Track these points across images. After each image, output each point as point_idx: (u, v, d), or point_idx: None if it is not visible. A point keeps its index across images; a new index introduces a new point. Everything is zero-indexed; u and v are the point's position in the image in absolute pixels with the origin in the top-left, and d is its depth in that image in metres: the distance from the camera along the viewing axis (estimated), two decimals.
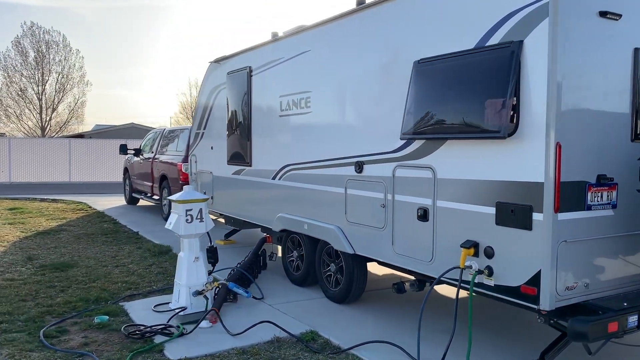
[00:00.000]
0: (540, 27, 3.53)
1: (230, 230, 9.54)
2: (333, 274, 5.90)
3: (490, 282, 3.92)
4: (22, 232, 10.43)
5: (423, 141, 4.49)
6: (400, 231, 4.77)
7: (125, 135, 31.84)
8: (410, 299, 6.05)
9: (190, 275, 5.58)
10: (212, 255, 6.00)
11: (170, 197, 5.73)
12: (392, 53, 4.82)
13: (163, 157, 12.36)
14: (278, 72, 6.70)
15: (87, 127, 47.30)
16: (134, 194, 14.85)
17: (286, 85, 6.51)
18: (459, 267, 4.04)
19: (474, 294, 4.01)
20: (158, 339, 4.80)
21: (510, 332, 5.14)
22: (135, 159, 14.48)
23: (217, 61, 8.44)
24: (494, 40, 3.87)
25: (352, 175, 5.37)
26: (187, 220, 5.57)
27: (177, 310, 5.38)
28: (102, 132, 37.76)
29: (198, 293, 5.54)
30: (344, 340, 4.73)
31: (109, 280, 6.85)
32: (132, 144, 15.80)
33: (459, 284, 4.02)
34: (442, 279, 4.23)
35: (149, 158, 13.35)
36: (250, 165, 7.45)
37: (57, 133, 44.57)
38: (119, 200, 16.15)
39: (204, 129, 8.99)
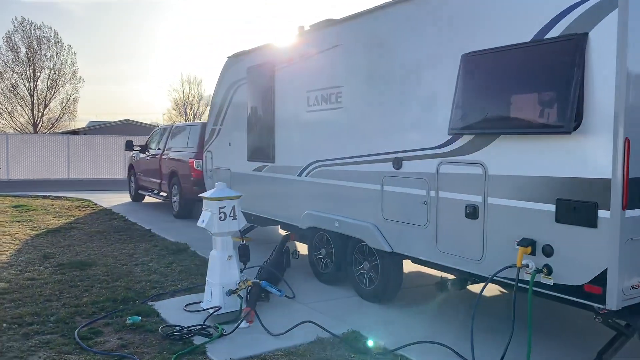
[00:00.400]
0: (608, 19, 3.43)
1: (245, 227, 9.40)
2: (366, 272, 5.80)
3: (549, 281, 3.83)
4: (32, 229, 10.25)
5: (472, 137, 4.39)
6: (445, 229, 4.67)
7: (120, 131, 31.52)
8: (448, 298, 5.96)
9: (224, 274, 5.46)
10: (244, 254, 5.87)
11: (202, 195, 5.60)
12: (437, 46, 4.70)
13: (172, 154, 12.20)
14: (305, 66, 6.57)
15: (80, 123, 46.98)
16: (140, 191, 14.68)
17: (314, 80, 6.39)
18: (515, 266, 3.94)
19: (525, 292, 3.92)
20: (197, 340, 4.68)
21: (558, 331, 5.06)
22: (142, 155, 14.30)
23: (236, 56, 8.29)
24: (554, 32, 3.77)
25: (389, 172, 5.26)
26: (220, 217, 5.45)
27: (211, 310, 5.26)
28: (97, 129, 37.43)
29: (232, 292, 5.42)
30: (387, 340, 4.63)
31: (131, 279, 6.71)
32: (119, 141, 15.38)
33: (516, 283, 3.92)
34: (494, 277, 4.13)
35: (157, 155, 13.18)
36: (274, 162, 7.32)
37: (49, 130, 44.21)
38: (123, 197, 15.96)
39: (221, 125, 8.84)
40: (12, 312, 5.37)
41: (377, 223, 5.45)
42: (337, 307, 5.65)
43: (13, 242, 9.03)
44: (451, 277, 5.07)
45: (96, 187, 20.96)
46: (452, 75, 4.55)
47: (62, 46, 43.39)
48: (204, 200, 5.55)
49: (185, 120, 53.18)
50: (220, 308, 5.30)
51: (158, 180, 13.01)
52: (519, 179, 4.03)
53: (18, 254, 8.07)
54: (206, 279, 5.61)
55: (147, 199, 15.18)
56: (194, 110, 55.22)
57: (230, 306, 5.38)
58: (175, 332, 4.77)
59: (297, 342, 4.60)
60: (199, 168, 10.94)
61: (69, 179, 24.98)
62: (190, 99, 55.31)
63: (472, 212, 4.38)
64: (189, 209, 11.85)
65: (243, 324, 5.01)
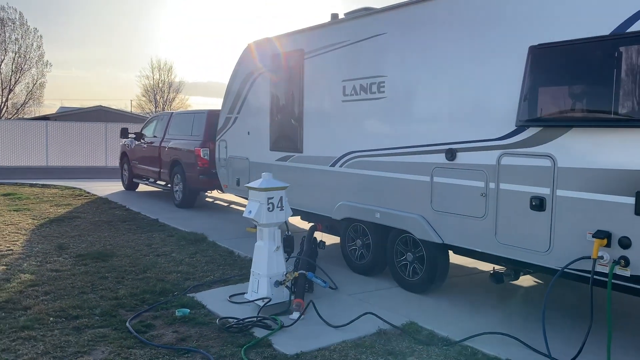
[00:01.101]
0: None
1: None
2: (409, 264, 5.79)
3: (626, 273, 3.88)
4: (34, 219, 9.92)
5: (539, 129, 4.40)
6: (506, 220, 4.69)
7: (93, 118, 30.80)
8: (489, 289, 6.01)
9: (271, 265, 5.38)
10: (288, 244, 5.80)
11: (249, 185, 5.49)
12: (502, 36, 4.69)
13: (174, 143, 11.94)
14: (340, 55, 6.49)
15: (47, 109, 45.72)
16: (134, 179, 14.36)
17: (351, 69, 6.31)
18: (590, 258, 3.98)
19: (595, 285, 3.97)
20: (257, 332, 4.60)
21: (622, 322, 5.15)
22: (137, 143, 13.98)
23: (258, 44, 8.13)
24: (637, 27, 3.78)
25: (441, 163, 5.24)
26: (268, 208, 5.35)
27: (260, 302, 5.19)
28: (69, 115, 36.41)
29: (280, 283, 5.36)
30: (447, 331, 4.63)
31: (160, 270, 6.57)
32: (99, 128, 14.90)
33: (592, 275, 3.96)
34: (564, 269, 4.17)
35: (155, 142, 12.89)
36: (302, 152, 7.23)
37: (14, 115, 42.95)
38: (114, 185, 15.60)
39: (238, 113, 8.68)
40: (52, 305, 5.19)
41: (425, 214, 5.43)
42: (383, 298, 5.63)
43: (19, 231, 8.73)
44: (502, 269, 5.12)
45: (78, 174, 20.46)
46: (516, 66, 4.55)
47: (28, 29, 42.09)
48: (251, 191, 5.44)
49: (156, 108, 52.20)
50: (270, 300, 5.23)
51: (157, 169, 12.74)
52: (593, 172, 4.06)
53: (30, 244, 7.80)
54: (251, 269, 5.52)
55: (142, 188, 14.87)
56: (164, 98, 54.29)
57: (277, 297, 5.32)
58: (234, 324, 4.68)
59: (360, 333, 4.57)
60: (206, 157, 10.76)
61: (48, 166, 24.31)
62: (161, 85, 54.30)
63: (538, 204, 4.41)
64: (192, 199, 11.66)
65: (296, 315, 4.94)
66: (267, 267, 5.37)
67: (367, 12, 6.24)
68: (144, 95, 54.36)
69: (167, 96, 54.06)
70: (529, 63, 4.43)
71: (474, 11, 4.90)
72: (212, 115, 11.16)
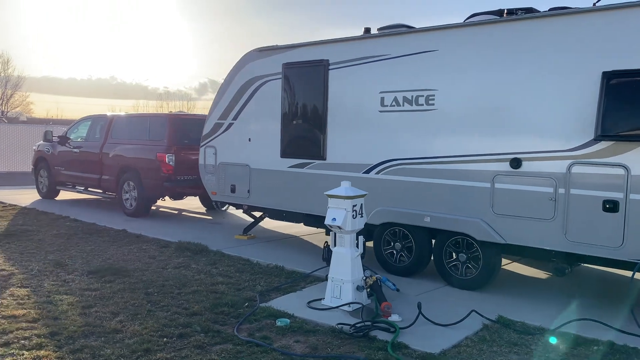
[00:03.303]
0: None
1: (249, 225, 9.25)
2: (461, 264, 6.29)
3: None
4: None
5: (612, 142, 5.16)
6: (576, 221, 5.38)
7: None
8: (523, 280, 6.71)
9: (354, 271, 5.56)
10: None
11: (330, 193, 5.60)
12: (574, 62, 5.37)
13: (123, 147, 11.22)
14: (379, 68, 6.80)
15: None
16: (58, 187, 13.16)
17: (393, 82, 6.66)
18: None
19: None
20: (380, 335, 4.78)
21: None
22: (61, 147, 12.85)
23: (264, 51, 8.11)
24: None
25: (504, 171, 5.82)
26: (353, 215, 5.52)
27: (347, 307, 5.37)
28: None
29: (362, 288, 5.56)
30: (534, 321, 5.20)
31: (200, 283, 6.33)
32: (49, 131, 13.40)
33: None
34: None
35: (90, 148, 11.98)
36: (325, 159, 7.41)
37: None
38: (24, 194, 14.10)
39: (234, 119, 8.55)
40: (141, 326, 4.84)
41: (485, 218, 5.97)
42: (445, 295, 6.06)
43: None
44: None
45: None
46: (586, 88, 5.27)
47: None
48: (334, 199, 5.56)
49: None
50: (361, 304, 5.41)
51: (95, 176, 11.84)
52: None
53: (19, 263, 6.99)
54: (329, 276, 5.64)
55: (62, 196, 13.65)
56: None
57: (360, 302, 5.52)
58: (355, 329, 4.80)
59: (471, 329, 4.96)
60: (171, 163, 10.34)
61: None
62: None
63: (612, 206, 5.16)
64: (148, 207, 11.07)
65: (396, 317, 5.18)
66: (350, 273, 5.53)
67: (409, 29, 6.65)
68: None
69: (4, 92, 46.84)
70: (603, 87, 5.16)
71: (549, 35, 5.53)
72: (175, 120, 10.75)
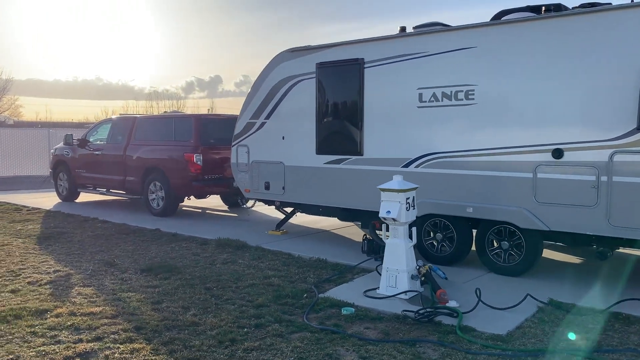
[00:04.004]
0: None
1: (280, 220, 9.48)
2: (504, 251, 6.57)
3: None
4: (14, 238, 8.94)
5: None
6: (619, 207, 5.67)
7: None
8: (554, 266, 7.01)
9: (408, 261, 5.82)
10: (373, 247, 6.28)
11: (383, 187, 5.84)
12: (616, 58, 5.64)
13: (149, 149, 11.40)
14: (416, 65, 7.05)
15: None
16: (79, 189, 13.32)
17: (432, 78, 6.91)
18: None
19: None
20: (444, 320, 5.03)
21: None
22: (81, 150, 13.00)
23: (296, 51, 8.33)
24: None
25: (546, 161, 6.09)
26: (406, 208, 5.78)
27: (404, 295, 5.62)
28: None
29: (417, 277, 5.82)
30: (581, 302, 5.49)
31: (253, 277, 6.56)
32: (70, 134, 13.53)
33: None
34: None
35: (112, 150, 12.15)
36: (362, 155, 7.65)
37: None
38: (43, 197, 14.24)
39: (266, 118, 8.77)
40: (216, 318, 5.07)
41: (528, 206, 6.25)
42: (491, 282, 6.33)
43: (28, 251, 7.90)
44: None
45: None
46: (627, 82, 5.55)
47: None
48: (387, 192, 5.81)
49: None
50: (418, 292, 5.67)
51: (118, 177, 12.01)
52: None
53: (71, 263, 7.19)
54: (384, 266, 5.89)
55: (82, 198, 13.80)
56: None
57: (415, 289, 5.78)
58: (421, 315, 5.06)
59: (529, 312, 5.23)
60: (199, 163, 10.54)
61: None
62: None
63: None
64: (175, 207, 11.27)
65: (454, 303, 5.44)
66: (405, 263, 5.79)
67: (446, 27, 6.89)
68: None
69: None
70: None
71: (590, 31, 5.79)
72: (201, 120, 10.94)
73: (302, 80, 8.27)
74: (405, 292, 5.71)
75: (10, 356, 4.15)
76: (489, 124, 6.50)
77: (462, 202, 6.74)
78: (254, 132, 8.97)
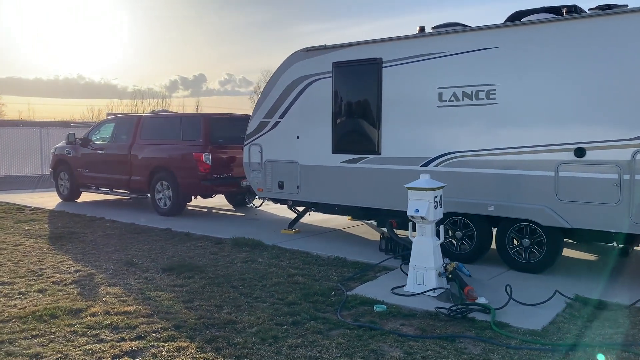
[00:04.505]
0: None
1: (293, 219, 9.51)
2: (525, 248, 6.67)
3: None
4: (25, 238, 8.87)
5: None
6: None
7: None
8: (572, 263, 7.13)
9: (436, 258, 5.89)
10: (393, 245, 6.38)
11: (411, 185, 5.91)
12: (637, 59, 5.77)
13: (156, 148, 11.36)
14: (436, 65, 7.12)
15: None
16: (82, 189, 13.22)
17: (452, 78, 6.99)
18: None
19: None
20: (478, 316, 5.11)
21: None
22: (84, 149, 12.91)
23: (311, 51, 8.37)
24: None
25: (568, 160, 6.20)
26: (434, 206, 5.85)
27: (432, 292, 5.70)
28: None
29: (444, 274, 5.90)
30: (605, 298, 5.60)
31: (277, 275, 6.59)
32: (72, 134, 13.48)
33: None
34: None
35: (117, 149, 12.09)
36: (379, 154, 7.72)
37: None
38: (42, 197, 14.11)
39: (280, 118, 8.80)
40: (252, 315, 5.10)
41: (549, 204, 6.35)
42: (511, 279, 6.41)
43: (43, 251, 7.84)
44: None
45: None
46: None
47: None
48: (415, 191, 5.88)
49: None
50: (445, 289, 5.74)
51: (124, 177, 11.95)
52: None
53: (92, 265, 7.15)
54: (411, 264, 5.96)
55: (84, 197, 13.70)
56: None
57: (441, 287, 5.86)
58: (455, 312, 5.13)
59: (558, 308, 5.33)
60: (208, 162, 10.53)
61: None
62: None
63: None
64: (182, 206, 11.24)
65: (483, 300, 5.52)
66: (433, 260, 5.86)
67: (467, 28, 6.98)
68: None
69: None
70: None
71: (612, 32, 5.91)
72: (210, 120, 10.93)
73: (318, 79, 8.31)
74: (433, 289, 5.78)
75: (59, 355, 4.14)
76: (511, 124, 6.60)
77: (482, 201, 6.84)
78: (267, 132, 8.99)
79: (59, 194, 13.74)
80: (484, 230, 7.01)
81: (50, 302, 5.46)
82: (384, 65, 7.61)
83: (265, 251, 7.89)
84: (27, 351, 4.22)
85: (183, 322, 4.91)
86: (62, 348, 4.29)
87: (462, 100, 6.93)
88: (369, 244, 8.41)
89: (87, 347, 4.31)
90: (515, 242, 6.79)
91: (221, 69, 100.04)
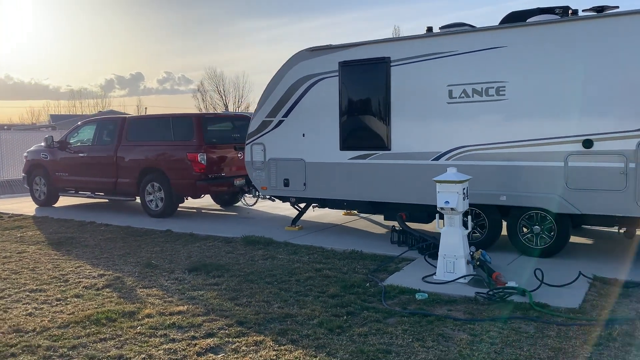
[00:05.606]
0: None
1: (296, 216, 9.67)
2: (536, 235, 7.13)
3: None
4: (24, 244, 8.64)
5: None
6: None
7: None
8: (578, 246, 7.65)
9: (465, 247, 6.23)
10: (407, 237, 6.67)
11: (439, 178, 6.21)
12: None
13: (145, 149, 11.21)
14: (446, 63, 7.46)
15: None
16: (61, 193, 12.85)
17: (462, 75, 7.35)
18: None
19: None
20: (516, 298, 5.47)
21: None
22: (62, 153, 12.57)
23: (316, 50, 8.54)
24: None
25: (576, 151, 6.68)
26: (463, 198, 6.18)
27: (462, 279, 6.03)
28: None
29: (472, 262, 6.25)
30: (620, 277, 6.10)
31: (304, 270, 6.75)
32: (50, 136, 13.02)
33: None
34: None
35: (101, 151, 11.85)
36: (389, 150, 8.00)
37: None
38: (17, 203, 13.62)
39: (284, 116, 8.93)
40: (304, 309, 5.26)
41: (560, 193, 6.82)
42: (527, 263, 6.83)
43: (51, 260, 7.69)
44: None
45: None
46: None
47: None
48: (445, 184, 6.18)
49: None
50: (474, 276, 6.09)
51: (109, 179, 11.73)
52: None
53: (112, 268, 7.09)
54: (441, 253, 6.27)
55: (62, 202, 13.33)
56: None
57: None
58: (493, 296, 5.47)
59: (583, 288, 5.75)
60: (203, 162, 10.51)
61: None
62: None
63: None
64: (175, 207, 11.17)
65: (513, 283, 5.89)
66: (462, 249, 6.19)
67: (475, 28, 7.35)
68: None
69: None
70: None
71: (619, 32, 6.41)
72: (202, 119, 10.90)
73: (323, 78, 8.49)
74: (464, 276, 6.10)
75: (143, 356, 4.18)
76: (521, 118, 7.01)
77: (494, 191, 7.23)
78: (271, 130, 9.10)
79: (35, 199, 13.31)
80: (495, 219, 7.41)
81: (96, 305, 5.43)
82: (392, 64, 7.88)
83: (279, 248, 8.02)
84: (108, 354, 4.23)
85: (243, 318, 5.01)
86: (140, 349, 4.32)
87: (472, 96, 7.30)
88: (377, 237, 8.68)
89: (166, 346, 4.36)
90: (525, 229, 7.22)
91: (159, 67, 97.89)
